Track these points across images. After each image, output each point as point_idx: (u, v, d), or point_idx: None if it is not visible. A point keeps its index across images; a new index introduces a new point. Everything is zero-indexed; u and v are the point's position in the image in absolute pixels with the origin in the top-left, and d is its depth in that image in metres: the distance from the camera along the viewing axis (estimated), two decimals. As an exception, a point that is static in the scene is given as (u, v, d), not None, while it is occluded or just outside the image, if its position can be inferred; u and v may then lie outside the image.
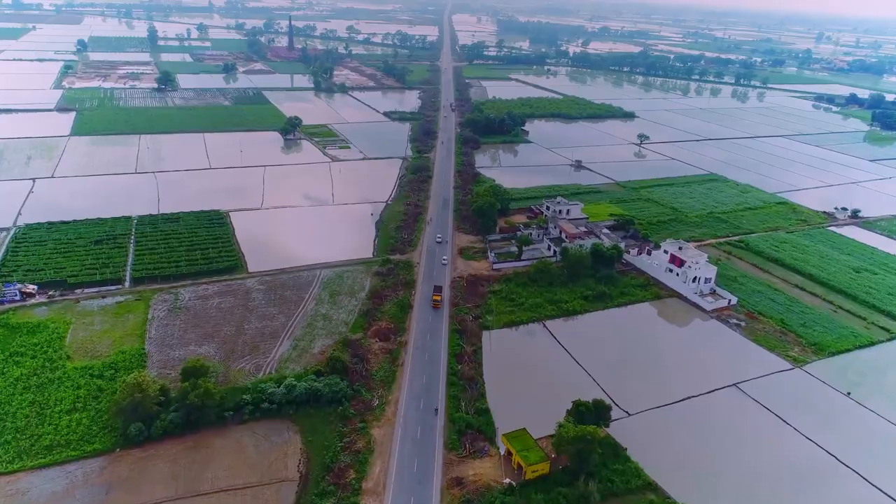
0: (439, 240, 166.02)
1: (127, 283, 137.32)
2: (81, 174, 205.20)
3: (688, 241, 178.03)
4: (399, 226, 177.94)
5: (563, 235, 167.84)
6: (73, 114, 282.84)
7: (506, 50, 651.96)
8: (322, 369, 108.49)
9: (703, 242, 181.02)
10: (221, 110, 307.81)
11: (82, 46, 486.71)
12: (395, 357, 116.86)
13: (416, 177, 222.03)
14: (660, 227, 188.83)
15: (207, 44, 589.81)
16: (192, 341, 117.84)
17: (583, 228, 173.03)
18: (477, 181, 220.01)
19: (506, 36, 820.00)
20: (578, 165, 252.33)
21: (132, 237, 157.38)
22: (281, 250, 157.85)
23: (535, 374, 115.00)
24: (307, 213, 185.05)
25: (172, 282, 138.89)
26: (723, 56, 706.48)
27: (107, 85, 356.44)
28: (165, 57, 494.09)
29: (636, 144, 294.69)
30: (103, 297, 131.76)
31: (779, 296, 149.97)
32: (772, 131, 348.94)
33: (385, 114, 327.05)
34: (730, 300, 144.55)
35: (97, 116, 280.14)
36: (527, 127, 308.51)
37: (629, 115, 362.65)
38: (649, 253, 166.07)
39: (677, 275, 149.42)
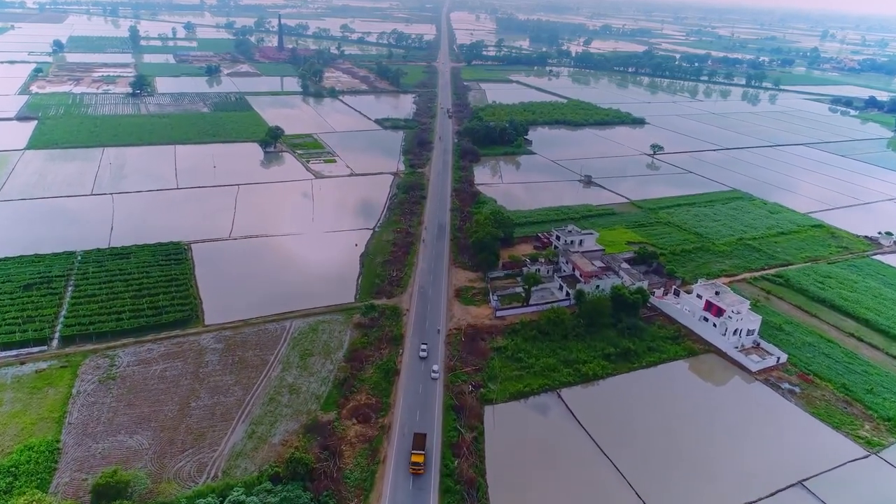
0: (423, 353, 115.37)
1: (54, 343, 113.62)
2: (28, 197, 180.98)
3: (719, 277, 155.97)
4: (387, 260, 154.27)
5: (577, 273, 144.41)
6: (34, 123, 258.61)
7: (505, 50, 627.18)
8: (281, 472, 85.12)
9: (737, 278, 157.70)
10: (198, 118, 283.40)
11: (58, 47, 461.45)
12: (376, 448, 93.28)
13: (408, 197, 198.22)
14: (685, 259, 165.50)
15: (194, 44, 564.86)
16: (123, 427, 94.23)
17: (599, 263, 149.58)
18: (477, 202, 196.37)
19: (505, 35, 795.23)
20: (588, 181, 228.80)
21: (71, 280, 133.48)
22: (246, 294, 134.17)
23: (550, 471, 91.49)
24: (281, 244, 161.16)
25: (110, 340, 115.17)
26: (730, 55, 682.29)
27: (78, 90, 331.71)
28: (148, 58, 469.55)
29: (649, 155, 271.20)
30: (22, 362, 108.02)
31: (834, 349, 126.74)
32: (791, 138, 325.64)
33: (377, 121, 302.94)
34: (778, 358, 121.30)
35: (60, 126, 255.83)
36: (530, 135, 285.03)
37: (639, 122, 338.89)
38: (677, 294, 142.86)
39: (714, 325, 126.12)
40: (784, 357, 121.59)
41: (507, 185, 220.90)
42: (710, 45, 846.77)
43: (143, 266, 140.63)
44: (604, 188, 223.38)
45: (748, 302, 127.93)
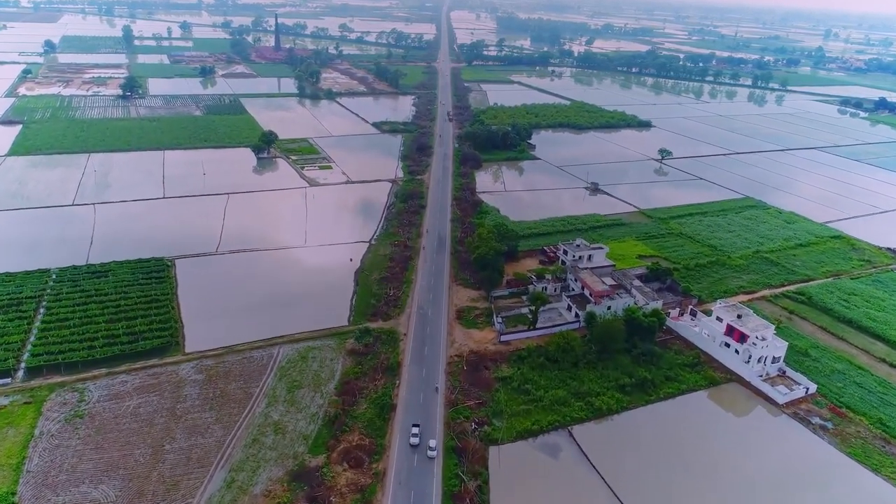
0: (415, 439, 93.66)
1: (19, 375, 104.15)
2: (4, 208, 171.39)
3: (737, 294, 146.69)
4: (384, 277, 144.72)
5: (587, 293, 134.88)
6: (18, 127, 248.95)
7: (507, 50, 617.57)
8: (261, 532, 75.84)
9: (755, 295, 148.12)
10: (190, 122, 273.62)
11: (50, 47, 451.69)
12: (369, 500, 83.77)
13: (406, 206, 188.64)
14: (700, 275, 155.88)
15: (189, 43, 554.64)
16: (87, 476, 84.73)
17: (610, 281, 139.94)
18: (478, 212, 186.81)
19: (506, 34, 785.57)
20: (594, 188, 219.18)
21: (43, 302, 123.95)
22: (232, 316, 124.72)
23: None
24: (271, 259, 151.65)
25: (81, 371, 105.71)
26: (735, 55, 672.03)
27: (67, 92, 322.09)
28: (142, 58, 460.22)
29: (657, 161, 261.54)
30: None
31: (865, 378, 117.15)
32: (801, 141, 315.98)
33: (374, 124, 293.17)
34: (807, 388, 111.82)
35: (45, 131, 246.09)
36: (533, 139, 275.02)
37: (645, 125, 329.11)
38: (694, 314, 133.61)
39: (736, 352, 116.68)
40: (813, 387, 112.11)
41: (510, 192, 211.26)
42: (714, 44, 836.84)
43: (121, 285, 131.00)
44: (611, 196, 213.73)
45: (773, 327, 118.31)
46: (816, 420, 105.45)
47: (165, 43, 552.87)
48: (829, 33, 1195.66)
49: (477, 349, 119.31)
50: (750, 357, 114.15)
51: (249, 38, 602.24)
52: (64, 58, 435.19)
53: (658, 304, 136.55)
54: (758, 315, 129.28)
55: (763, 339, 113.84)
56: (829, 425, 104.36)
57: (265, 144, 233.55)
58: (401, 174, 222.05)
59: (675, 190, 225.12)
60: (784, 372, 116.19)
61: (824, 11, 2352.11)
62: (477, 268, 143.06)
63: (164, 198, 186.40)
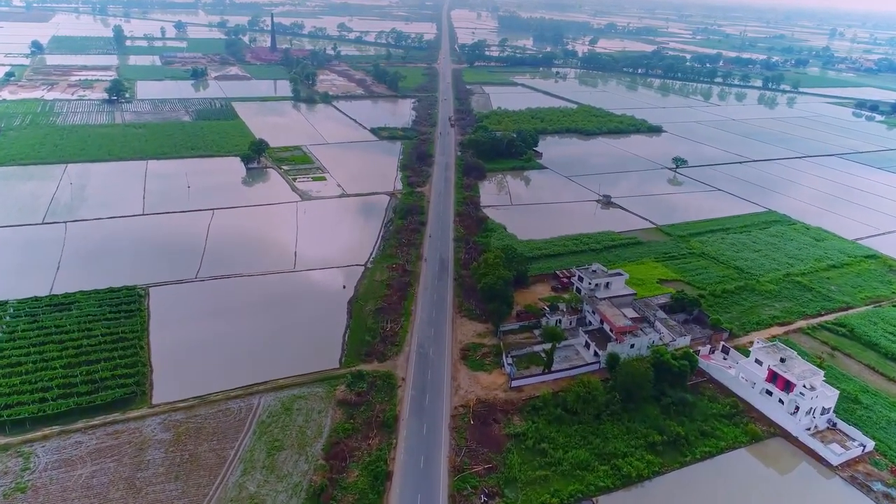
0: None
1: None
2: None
3: (771, 326, 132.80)
4: (380, 307, 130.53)
5: (607, 328, 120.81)
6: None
7: (509, 50, 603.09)
8: None
9: (791, 327, 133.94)
10: (177, 129, 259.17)
11: (37, 48, 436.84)
12: None
13: (405, 223, 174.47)
14: (728, 302, 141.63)
15: (183, 44, 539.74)
16: (22, 572, 70.99)
17: (631, 313, 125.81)
18: (483, 229, 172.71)
19: (508, 34, 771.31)
20: (607, 201, 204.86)
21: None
22: (208, 357, 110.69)
23: None
24: (256, 286, 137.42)
25: (30, 429, 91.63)
26: (743, 55, 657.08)
27: (51, 96, 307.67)
28: (133, 60, 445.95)
29: (671, 170, 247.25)
30: None
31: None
32: (820, 148, 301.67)
33: (372, 130, 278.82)
34: (863, 445, 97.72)
35: (22, 139, 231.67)
36: (540, 145, 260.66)
37: (655, 130, 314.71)
38: (726, 351, 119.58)
39: (781, 402, 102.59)
40: (870, 444, 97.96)
41: (516, 206, 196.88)
42: (719, 44, 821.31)
43: (85, 321, 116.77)
44: (624, 209, 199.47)
45: (822, 373, 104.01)
46: (878, 486, 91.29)
47: (159, 43, 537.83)
48: (834, 32, 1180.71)
49: (485, 397, 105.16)
50: (797, 408, 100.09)
51: (245, 38, 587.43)
52: (52, 59, 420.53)
53: (686, 341, 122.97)
54: (796, 351, 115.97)
55: (812, 388, 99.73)
56: (894, 493, 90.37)
57: (255, 154, 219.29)
58: (399, 186, 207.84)
59: (692, 203, 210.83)
60: (835, 424, 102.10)
61: (827, 10, 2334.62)
62: (484, 299, 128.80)
63: (143, 214, 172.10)
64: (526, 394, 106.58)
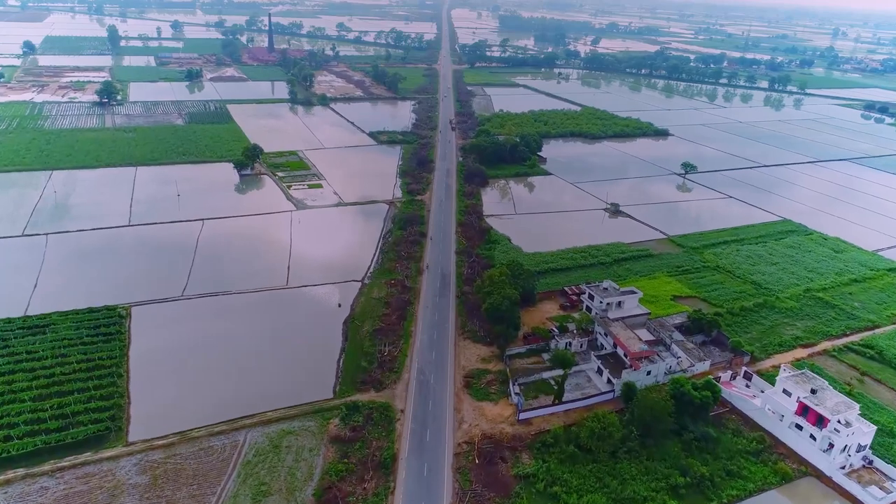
0: None
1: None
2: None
3: (794, 348, 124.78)
4: (378, 328, 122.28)
5: (621, 352, 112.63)
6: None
7: (510, 51, 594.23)
8: None
9: (815, 349, 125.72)
10: (169, 133, 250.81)
11: (29, 49, 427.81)
12: None
13: (404, 234, 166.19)
14: (746, 321, 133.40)
15: (179, 44, 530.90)
16: None
17: (645, 335, 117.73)
18: (487, 241, 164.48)
19: (508, 33, 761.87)
20: (615, 210, 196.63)
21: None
22: (192, 387, 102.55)
23: None
24: (246, 305, 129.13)
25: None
26: (747, 56, 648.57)
27: (41, 98, 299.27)
28: (128, 60, 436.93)
29: (680, 175, 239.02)
30: None
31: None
32: (831, 152, 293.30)
33: (371, 134, 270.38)
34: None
35: (7, 144, 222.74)
36: (543, 149, 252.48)
37: (662, 133, 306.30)
38: (748, 377, 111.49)
39: (812, 437, 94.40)
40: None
41: (521, 216, 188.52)
42: (722, 44, 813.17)
43: (60, 346, 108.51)
44: (633, 218, 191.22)
45: (857, 406, 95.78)
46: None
47: (154, 44, 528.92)
48: (837, 32, 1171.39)
49: (491, 431, 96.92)
50: (831, 446, 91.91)
51: (243, 39, 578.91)
52: (44, 60, 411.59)
53: (705, 366, 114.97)
54: (822, 376, 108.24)
55: (847, 423, 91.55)
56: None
57: (249, 160, 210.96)
58: (399, 194, 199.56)
59: (703, 211, 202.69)
60: (871, 462, 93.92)
61: (827, 9, 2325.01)
62: (489, 320, 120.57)
63: (129, 225, 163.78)
64: (535, 427, 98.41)
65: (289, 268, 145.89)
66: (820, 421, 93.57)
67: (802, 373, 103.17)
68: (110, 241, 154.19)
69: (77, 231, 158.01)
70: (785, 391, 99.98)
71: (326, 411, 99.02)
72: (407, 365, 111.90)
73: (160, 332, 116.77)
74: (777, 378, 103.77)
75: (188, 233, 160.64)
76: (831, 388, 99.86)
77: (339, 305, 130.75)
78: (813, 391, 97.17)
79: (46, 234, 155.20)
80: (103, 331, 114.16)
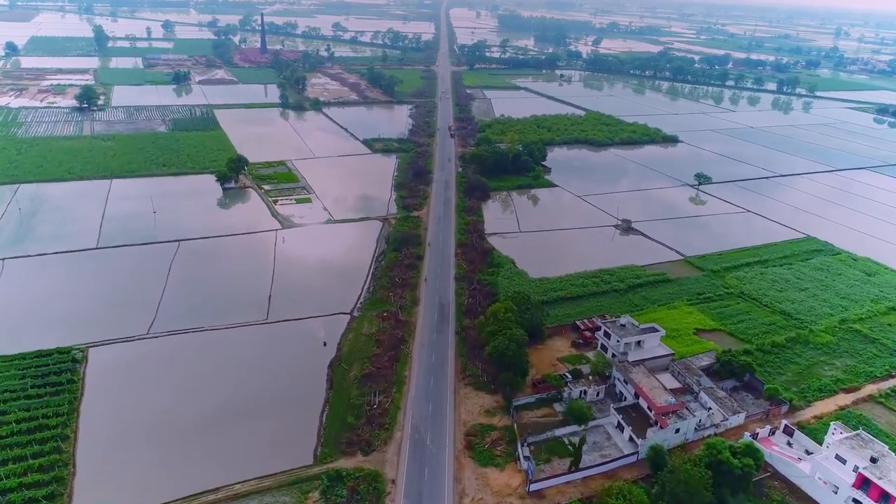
0: None
1: None
2: None
3: (836, 394, 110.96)
4: (367, 373, 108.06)
5: (644, 404, 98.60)
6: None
7: (510, 51, 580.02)
8: None
9: (860, 394, 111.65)
10: (150, 141, 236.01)
11: (12, 50, 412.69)
12: None
13: (399, 257, 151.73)
14: (779, 360, 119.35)
15: (169, 45, 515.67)
16: None
17: (670, 381, 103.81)
18: (489, 264, 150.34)
19: (508, 33, 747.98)
20: (627, 227, 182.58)
21: None
22: (151, 450, 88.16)
23: None
24: (220, 344, 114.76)
25: None
26: (752, 56, 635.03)
27: (17, 103, 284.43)
28: (115, 62, 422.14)
29: (693, 187, 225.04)
30: None
31: None
32: (849, 160, 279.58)
33: (365, 142, 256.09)
34: None
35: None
36: (548, 158, 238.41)
37: (671, 140, 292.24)
38: (789, 433, 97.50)
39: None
40: None
41: (525, 234, 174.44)
42: (725, 44, 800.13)
43: (1, 399, 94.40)
44: (646, 237, 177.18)
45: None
46: None
47: (144, 44, 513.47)
48: (839, 32, 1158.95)
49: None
50: (899, 529, 78.10)
51: (236, 39, 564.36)
52: (27, 61, 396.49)
53: (740, 419, 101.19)
54: (871, 429, 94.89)
55: (918, 503, 77.72)
56: None
57: (233, 172, 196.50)
58: (394, 209, 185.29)
59: (721, 227, 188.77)
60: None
61: (827, 8, 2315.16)
62: (493, 366, 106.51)
63: (96, 248, 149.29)
64: (549, 501, 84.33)
65: (270, 297, 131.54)
66: (885, 498, 79.69)
67: (857, 434, 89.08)
68: (73, 266, 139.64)
69: (38, 255, 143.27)
70: (838, 457, 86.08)
71: (305, 482, 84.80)
72: (400, 420, 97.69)
73: (118, 381, 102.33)
74: (826, 440, 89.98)
75: (161, 257, 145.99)
76: (892, 454, 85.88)
77: (325, 344, 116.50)
78: (873, 460, 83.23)
79: (3, 258, 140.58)
80: (53, 380, 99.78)
